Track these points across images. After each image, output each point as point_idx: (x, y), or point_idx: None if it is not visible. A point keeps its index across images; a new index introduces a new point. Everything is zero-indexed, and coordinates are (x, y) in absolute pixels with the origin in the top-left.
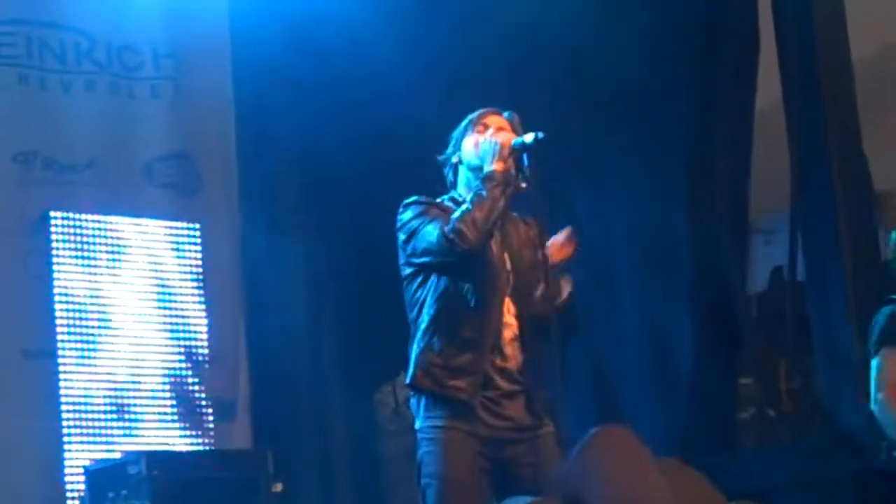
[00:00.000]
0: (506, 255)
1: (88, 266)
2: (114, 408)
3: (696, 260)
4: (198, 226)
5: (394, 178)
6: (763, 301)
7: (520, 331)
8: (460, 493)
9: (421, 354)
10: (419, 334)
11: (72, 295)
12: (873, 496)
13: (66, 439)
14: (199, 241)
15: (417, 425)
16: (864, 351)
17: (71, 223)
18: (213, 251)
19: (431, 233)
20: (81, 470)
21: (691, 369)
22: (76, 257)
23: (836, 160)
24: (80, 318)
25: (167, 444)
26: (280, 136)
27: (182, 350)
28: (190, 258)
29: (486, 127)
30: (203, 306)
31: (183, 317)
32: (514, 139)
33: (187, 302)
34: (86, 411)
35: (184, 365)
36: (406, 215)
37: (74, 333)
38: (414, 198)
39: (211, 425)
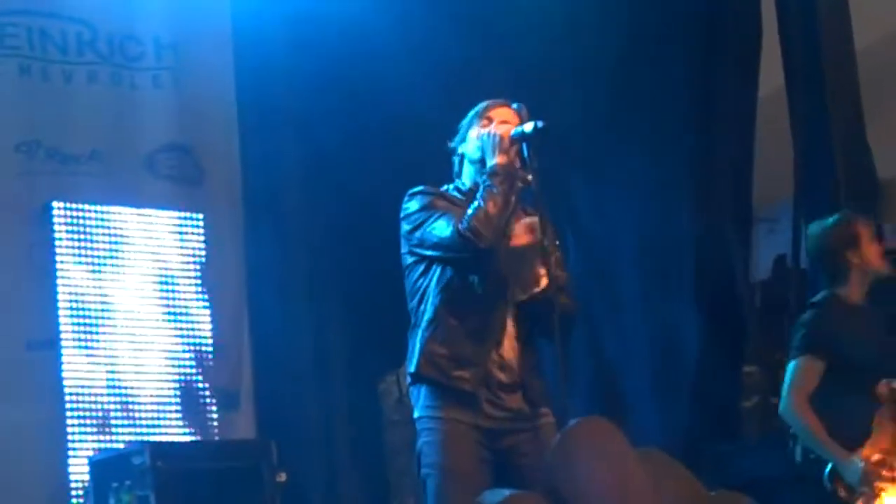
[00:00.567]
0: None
1: (91, 256)
2: (117, 398)
3: (700, 250)
4: (201, 216)
5: (397, 169)
6: (766, 290)
7: (517, 323)
8: (460, 483)
9: (425, 344)
10: (423, 324)
11: (74, 286)
12: None
13: (69, 430)
14: (201, 231)
15: (416, 415)
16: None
17: (73, 213)
18: (215, 241)
19: (443, 228)
20: (85, 461)
21: (695, 358)
22: (79, 248)
23: (840, 149)
24: (83, 309)
25: (171, 434)
26: (282, 126)
27: (185, 340)
28: (193, 248)
29: (491, 120)
30: (206, 296)
31: (186, 307)
32: (514, 129)
33: (190, 292)
34: (89, 402)
35: (187, 355)
36: (412, 205)
37: (77, 324)
38: (419, 188)
39: (214, 416)
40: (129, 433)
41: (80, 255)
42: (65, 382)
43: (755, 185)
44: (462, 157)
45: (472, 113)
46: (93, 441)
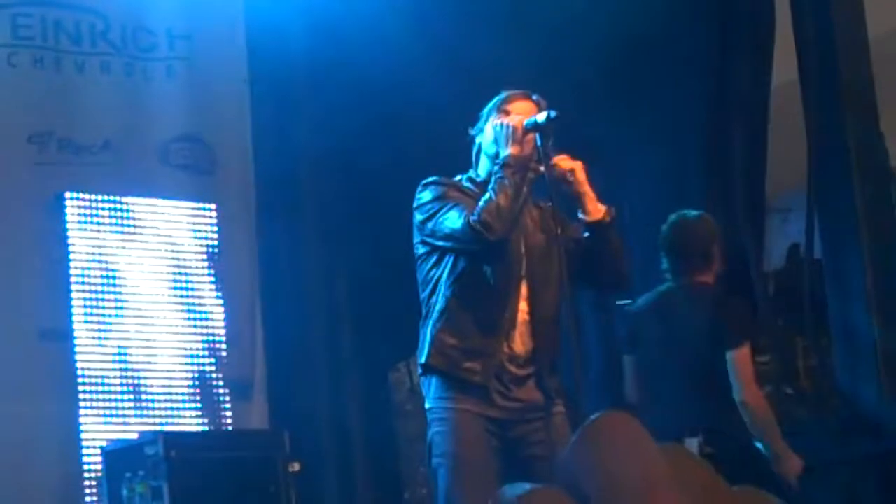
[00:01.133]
0: (521, 239)
1: (104, 247)
2: (130, 388)
3: None
4: (213, 206)
5: (410, 159)
6: (780, 279)
7: (531, 315)
8: (471, 473)
9: (437, 335)
10: (435, 315)
11: (87, 276)
12: (890, 476)
13: (82, 420)
14: (214, 221)
15: (428, 405)
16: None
17: (86, 204)
18: (228, 232)
19: (455, 219)
20: (98, 451)
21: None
22: (91, 238)
23: (853, 138)
24: (96, 300)
25: (184, 424)
26: (295, 116)
27: (198, 331)
28: (205, 239)
29: (508, 114)
30: (218, 287)
31: (199, 297)
32: (527, 120)
33: (203, 282)
34: (102, 392)
35: (200, 346)
36: (425, 196)
37: (90, 314)
38: (433, 178)
39: (227, 406)
40: (143, 423)
41: (92, 246)
42: (78, 372)
43: (768, 175)
44: (479, 146)
45: (492, 103)
46: (106, 431)
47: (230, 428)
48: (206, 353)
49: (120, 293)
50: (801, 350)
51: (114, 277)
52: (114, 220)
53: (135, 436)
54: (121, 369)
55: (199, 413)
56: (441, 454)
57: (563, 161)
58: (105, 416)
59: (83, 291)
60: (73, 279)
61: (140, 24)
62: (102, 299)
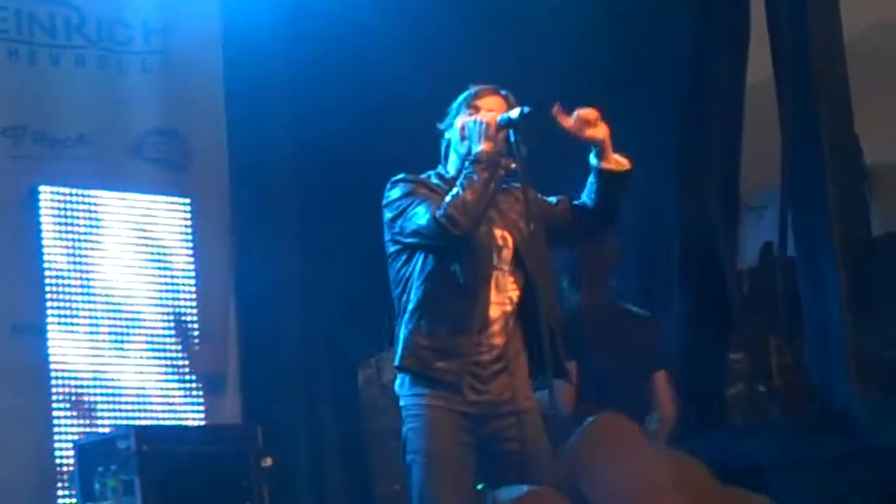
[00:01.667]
0: (505, 232)
1: (78, 241)
2: (103, 382)
3: (687, 237)
4: (188, 200)
5: (386, 156)
6: (754, 277)
7: (511, 307)
8: (445, 468)
9: (409, 336)
10: (406, 315)
11: (61, 270)
12: (863, 475)
13: (55, 414)
14: (189, 215)
15: (402, 402)
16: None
17: (60, 198)
18: (202, 226)
19: (422, 215)
20: (71, 445)
21: (681, 345)
22: (65, 232)
23: (827, 136)
24: (70, 294)
25: (157, 418)
26: (270, 110)
27: (172, 325)
28: (179, 233)
29: (478, 109)
30: (193, 281)
31: (172, 292)
32: (500, 116)
33: (176, 277)
34: (75, 386)
35: (173, 340)
36: (394, 193)
37: (64, 308)
38: (401, 175)
39: (200, 400)
40: (115, 417)
41: (66, 240)
42: (50, 367)
43: (743, 173)
44: (448, 142)
45: (460, 98)
46: (78, 425)
47: (203, 422)
48: (179, 347)
49: (94, 287)
50: (775, 348)
51: (88, 271)
52: (88, 214)
53: (107, 430)
54: (94, 363)
55: (172, 407)
56: (415, 450)
57: (590, 113)
58: (78, 410)
59: (56, 286)
60: (46, 273)
61: (116, 18)
62: (76, 293)
